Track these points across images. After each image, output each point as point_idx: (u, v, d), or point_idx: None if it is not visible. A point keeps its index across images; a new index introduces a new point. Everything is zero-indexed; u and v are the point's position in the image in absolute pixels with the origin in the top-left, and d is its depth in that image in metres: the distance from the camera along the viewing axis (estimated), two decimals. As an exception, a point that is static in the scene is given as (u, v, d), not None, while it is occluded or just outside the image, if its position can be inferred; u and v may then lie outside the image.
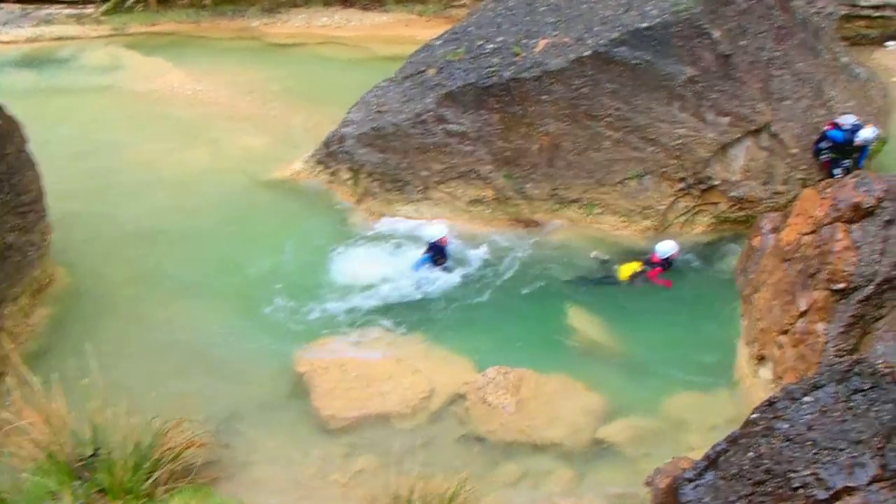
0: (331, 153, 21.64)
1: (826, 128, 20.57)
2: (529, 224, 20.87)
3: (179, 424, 13.15)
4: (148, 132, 24.98)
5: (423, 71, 21.29)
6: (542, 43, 20.58)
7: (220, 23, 32.44)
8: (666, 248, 19.33)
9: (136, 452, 12.40)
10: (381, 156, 20.97)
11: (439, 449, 15.47)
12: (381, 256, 20.23)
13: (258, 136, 24.30)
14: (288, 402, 16.39)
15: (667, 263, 19.38)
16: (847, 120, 20.66)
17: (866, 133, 20.51)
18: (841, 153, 20.29)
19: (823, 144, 20.36)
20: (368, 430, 15.81)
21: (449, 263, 19.67)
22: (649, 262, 19.42)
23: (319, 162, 22.01)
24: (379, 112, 21.15)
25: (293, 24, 30.03)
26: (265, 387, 16.63)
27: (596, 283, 19.45)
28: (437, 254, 19.57)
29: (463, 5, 28.95)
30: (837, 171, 20.07)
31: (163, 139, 24.59)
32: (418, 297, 19.17)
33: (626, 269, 19.47)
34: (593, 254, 19.95)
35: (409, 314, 18.59)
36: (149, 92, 27.51)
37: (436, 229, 19.59)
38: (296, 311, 18.55)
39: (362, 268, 19.79)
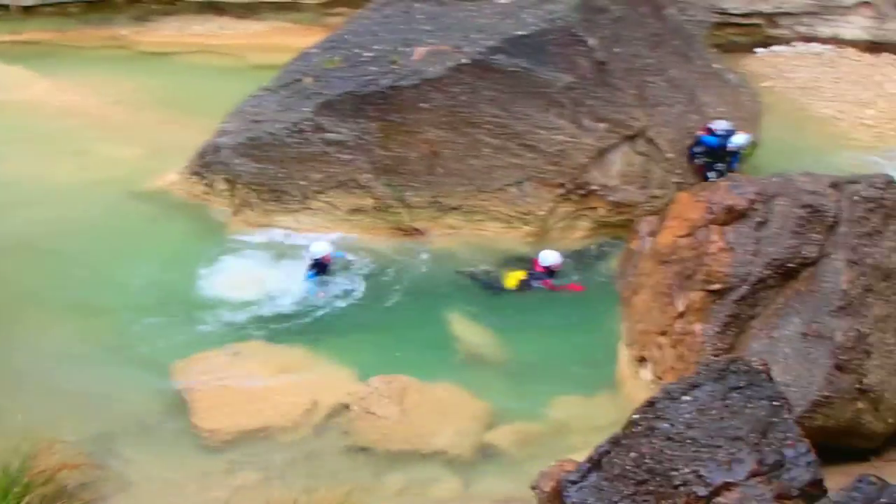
0: (206, 164, 21.34)
1: (700, 133, 20.94)
2: (411, 232, 20.80)
3: (51, 447, 12.84)
4: (13, 146, 24.14)
5: (300, 79, 21.10)
6: (420, 51, 20.57)
7: (87, 31, 31.45)
8: (549, 257, 19.42)
9: (5, 477, 12.05)
10: (257, 166, 20.71)
11: (323, 461, 15.34)
12: (259, 268, 19.99)
13: (130, 147, 23.69)
14: (165, 420, 16.05)
15: (549, 272, 19.46)
16: (720, 125, 21.06)
17: (738, 139, 21.03)
18: (714, 157, 20.67)
19: (698, 149, 20.74)
20: (250, 445, 15.58)
21: (332, 278, 19.53)
22: (533, 270, 19.49)
23: (195, 173, 21.67)
24: (255, 122, 20.91)
25: (164, 32, 29.52)
26: (141, 405, 16.27)
27: (483, 289, 19.47)
28: (320, 270, 19.39)
29: (339, 14, 28.75)
30: (711, 174, 20.45)
31: (29, 152, 23.80)
32: (298, 308, 18.94)
33: (512, 278, 19.51)
34: (481, 268, 19.92)
35: (288, 326, 18.41)
36: (12, 103, 26.62)
37: (320, 246, 19.37)
38: (172, 326, 18.19)
39: (240, 280, 19.53)
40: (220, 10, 29.93)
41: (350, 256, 20.02)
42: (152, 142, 23.83)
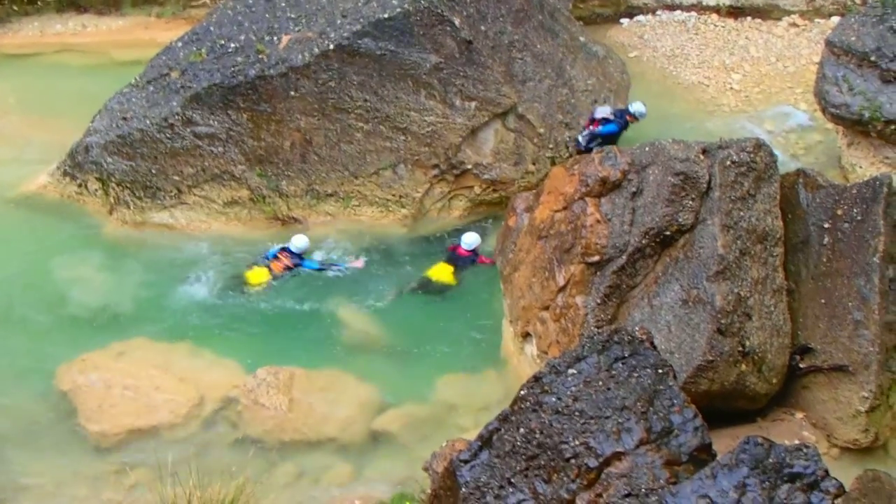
0: (77, 164, 20.84)
1: (592, 129, 21.03)
2: (288, 221, 20.63)
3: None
4: None
5: (167, 74, 20.72)
6: (285, 39, 20.34)
7: (-57, 36, 30.73)
8: (471, 240, 19.54)
9: None
10: (129, 163, 20.31)
11: (214, 455, 15.46)
12: (136, 266, 19.69)
13: (-3, 151, 23.15)
14: (53, 423, 16.04)
15: (475, 252, 19.48)
16: (605, 111, 21.35)
17: (639, 107, 21.71)
18: (612, 141, 20.64)
19: (595, 143, 20.69)
20: (140, 443, 15.65)
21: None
22: (458, 257, 19.50)
23: (66, 174, 21.16)
24: (124, 119, 20.47)
25: (25, 33, 28.70)
26: (27, 409, 16.21)
27: (430, 294, 19.36)
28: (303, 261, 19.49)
29: (203, 5, 28.36)
30: None
31: None
32: (180, 304, 18.80)
33: (447, 275, 19.42)
34: (410, 285, 19.62)
35: (171, 322, 18.32)
36: None
37: (301, 239, 19.45)
38: (52, 329, 18.03)
39: (118, 279, 19.27)
40: (80, 7, 29.19)
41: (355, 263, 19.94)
42: (20, 145, 23.20)
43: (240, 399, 16.27)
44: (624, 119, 21.38)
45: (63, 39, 28.35)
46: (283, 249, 19.41)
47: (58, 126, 22.96)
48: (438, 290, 19.34)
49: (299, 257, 19.40)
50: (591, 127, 21.31)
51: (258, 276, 19.28)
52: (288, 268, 19.33)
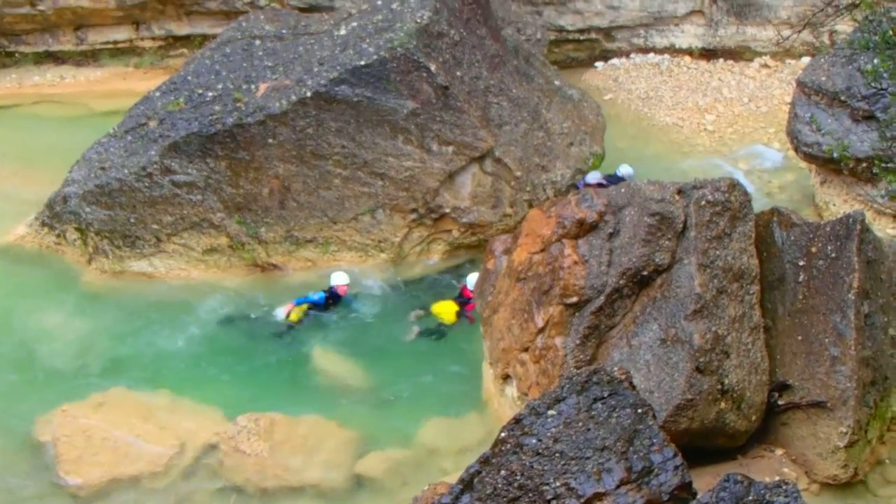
0: (55, 214, 20.84)
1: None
2: (268, 268, 20.67)
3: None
4: None
5: (145, 123, 20.80)
6: (262, 87, 20.45)
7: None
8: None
9: None
10: (108, 213, 20.31)
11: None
12: (115, 315, 19.66)
13: (-26, 202, 23.08)
14: (32, 474, 15.93)
15: None
16: (595, 177, 21.90)
17: (626, 169, 22.28)
18: None
19: None
20: (120, 494, 15.58)
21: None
22: (462, 297, 19.54)
23: (44, 224, 21.15)
24: (102, 168, 20.51)
25: (2, 85, 28.68)
26: (5, 460, 16.08)
27: (430, 336, 19.33)
28: (334, 300, 19.64)
29: (180, 55, 28.55)
30: None
31: None
32: (160, 352, 18.73)
33: (449, 313, 19.45)
34: (412, 315, 19.72)
35: (151, 371, 18.25)
36: None
37: (341, 277, 19.66)
38: (30, 381, 17.92)
39: (97, 328, 19.25)
40: (58, 59, 29.38)
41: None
42: (-3, 196, 23.24)
43: (220, 446, 16.22)
44: (616, 180, 21.58)
45: (41, 90, 28.46)
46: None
47: (35, 177, 22.98)
48: (436, 327, 19.42)
49: (335, 296, 19.65)
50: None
51: (297, 313, 19.45)
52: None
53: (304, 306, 19.44)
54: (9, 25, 28.66)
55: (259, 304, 19.95)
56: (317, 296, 19.55)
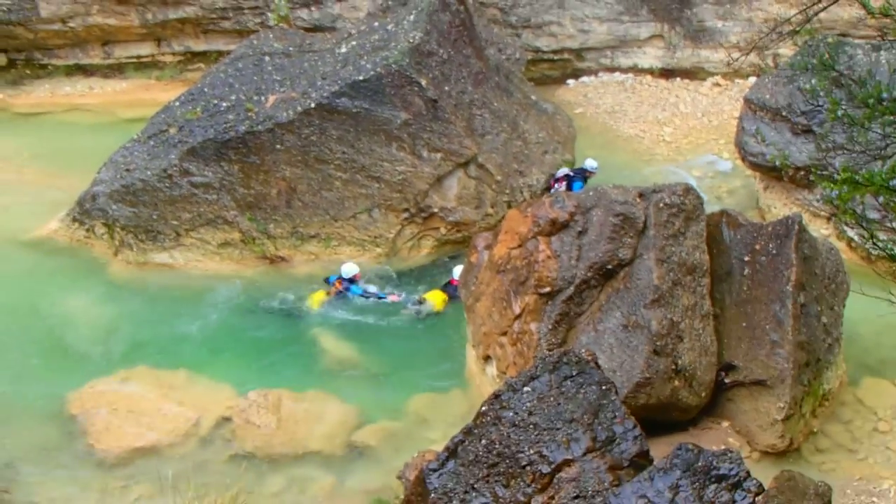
0: (85, 211, 20.88)
1: (559, 186, 21.61)
2: (276, 260, 20.73)
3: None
4: None
5: (166, 130, 20.82)
6: (271, 99, 20.50)
7: (-36, 97, 30.61)
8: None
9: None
10: (132, 210, 20.36)
11: (211, 469, 15.33)
12: (139, 302, 19.67)
13: (12, 198, 22.88)
14: (63, 444, 15.85)
15: None
16: (563, 170, 22.25)
17: (591, 162, 22.49)
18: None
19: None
20: (142, 460, 15.52)
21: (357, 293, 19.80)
22: (450, 286, 19.63)
23: (75, 220, 21.17)
24: (127, 170, 20.56)
25: (37, 94, 28.64)
26: (40, 432, 16.04)
27: (420, 320, 19.40)
28: (351, 286, 19.67)
29: (198, 69, 28.50)
30: None
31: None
32: (179, 335, 18.72)
33: (440, 301, 19.54)
34: (412, 308, 19.68)
35: (171, 351, 18.15)
36: None
37: (350, 267, 19.67)
38: (61, 361, 17.84)
39: (122, 313, 19.25)
40: (87, 71, 29.32)
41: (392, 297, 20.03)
42: (34, 194, 23.14)
43: (233, 418, 16.20)
44: (584, 175, 21.89)
45: (71, 100, 28.35)
46: (339, 277, 19.64)
47: (68, 176, 22.92)
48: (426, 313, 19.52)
49: (349, 282, 19.59)
50: (556, 185, 21.75)
51: (317, 298, 19.56)
52: (340, 292, 19.60)
53: (322, 296, 19.57)
54: (42, 40, 28.63)
55: (268, 292, 19.97)
56: (352, 288, 19.72)
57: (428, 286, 20.10)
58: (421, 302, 19.52)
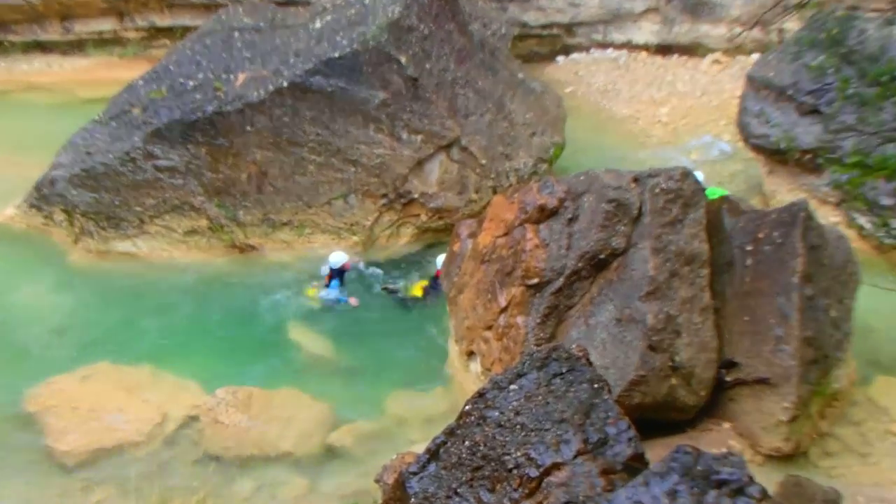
0: (43, 196, 20.72)
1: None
2: (246, 249, 20.61)
3: None
4: None
5: (129, 110, 20.68)
6: (241, 77, 20.36)
7: (-85, 77, 30.45)
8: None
9: None
10: (93, 195, 20.22)
11: (176, 472, 15.27)
12: (100, 293, 19.57)
13: (-35, 185, 22.90)
14: (20, 443, 15.72)
15: None
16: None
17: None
18: None
19: None
20: (104, 461, 15.43)
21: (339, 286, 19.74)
22: (435, 277, 19.56)
23: (32, 206, 21.01)
24: (88, 153, 20.39)
25: (-8, 73, 28.72)
26: None
27: (397, 302, 19.55)
28: (339, 278, 19.57)
29: (163, 45, 28.46)
30: None
31: None
32: (143, 328, 18.61)
33: (418, 288, 19.65)
34: (382, 286, 19.88)
35: (133, 347, 18.06)
36: None
37: (338, 256, 19.55)
38: (18, 355, 17.73)
39: (82, 306, 19.14)
40: (45, 48, 29.22)
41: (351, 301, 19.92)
42: (-13, 179, 23.08)
43: (200, 418, 16.15)
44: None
45: (29, 79, 28.29)
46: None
47: (24, 160, 22.83)
48: (409, 300, 19.61)
49: (339, 273, 19.52)
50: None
51: (313, 290, 19.62)
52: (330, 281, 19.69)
53: (314, 291, 19.60)
54: (-2, 15, 28.49)
55: (236, 283, 19.90)
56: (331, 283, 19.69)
57: (408, 280, 20.16)
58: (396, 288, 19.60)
